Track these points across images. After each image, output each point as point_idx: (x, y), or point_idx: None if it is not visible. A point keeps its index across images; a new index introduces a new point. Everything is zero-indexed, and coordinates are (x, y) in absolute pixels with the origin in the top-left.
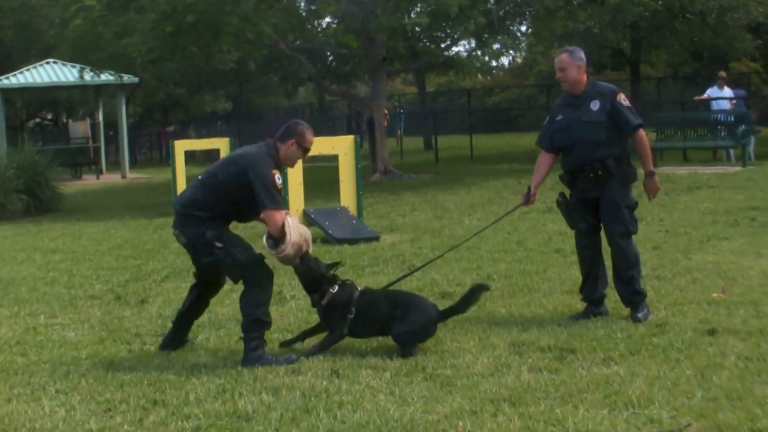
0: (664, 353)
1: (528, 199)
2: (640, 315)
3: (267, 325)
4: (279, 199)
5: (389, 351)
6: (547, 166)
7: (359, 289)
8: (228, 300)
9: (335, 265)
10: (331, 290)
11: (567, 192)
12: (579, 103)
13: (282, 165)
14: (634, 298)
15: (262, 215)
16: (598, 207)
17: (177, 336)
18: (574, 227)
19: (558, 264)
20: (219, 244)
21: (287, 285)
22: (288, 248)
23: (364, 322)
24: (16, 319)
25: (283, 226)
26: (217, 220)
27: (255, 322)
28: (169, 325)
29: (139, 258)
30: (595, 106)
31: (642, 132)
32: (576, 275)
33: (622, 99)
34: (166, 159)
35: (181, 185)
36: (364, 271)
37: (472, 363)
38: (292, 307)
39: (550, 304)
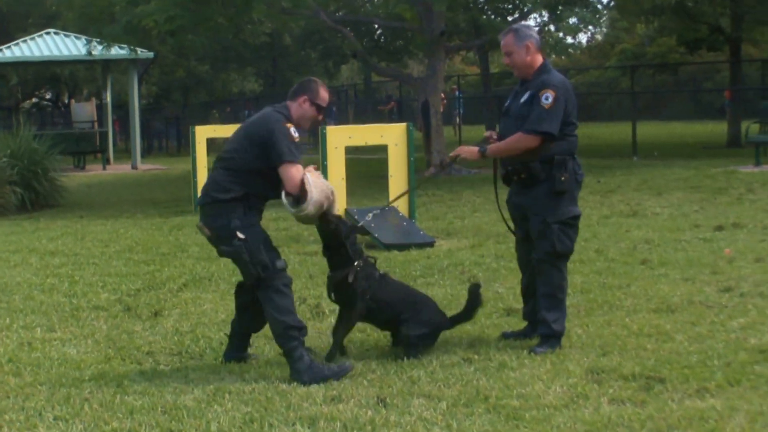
0: None
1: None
2: (538, 349)
3: (303, 330)
4: (296, 152)
5: (446, 376)
6: None
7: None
8: None
9: (354, 229)
10: (355, 265)
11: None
12: (520, 92)
13: (295, 125)
14: (542, 330)
15: (279, 170)
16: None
17: (234, 351)
18: (513, 232)
19: (644, 277)
20: (241, 235)
21: (326, 297)
22: (309, 207)
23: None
24: (8, 332)
25: (302, 182)
26: (245, 203)
27: (289, 329)
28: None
29: (153, 263)
30: (523, 98)
31: (530, 137)
32: (666, 291)
33: (544, 97)
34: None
35: (202, 177)
36: (416, 283)
37: (543, 392)
38: (331, 323)
39: (635, 324)
